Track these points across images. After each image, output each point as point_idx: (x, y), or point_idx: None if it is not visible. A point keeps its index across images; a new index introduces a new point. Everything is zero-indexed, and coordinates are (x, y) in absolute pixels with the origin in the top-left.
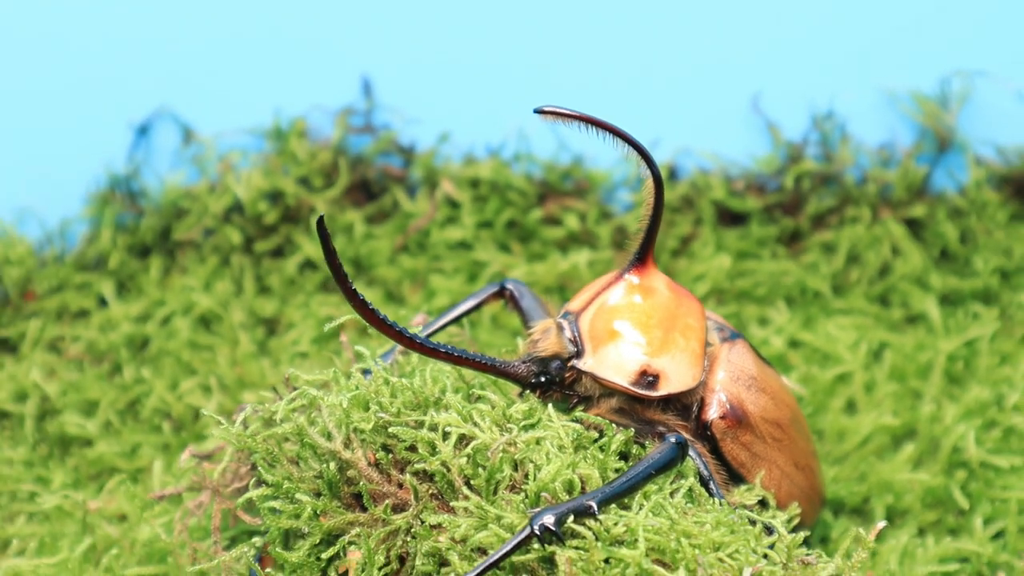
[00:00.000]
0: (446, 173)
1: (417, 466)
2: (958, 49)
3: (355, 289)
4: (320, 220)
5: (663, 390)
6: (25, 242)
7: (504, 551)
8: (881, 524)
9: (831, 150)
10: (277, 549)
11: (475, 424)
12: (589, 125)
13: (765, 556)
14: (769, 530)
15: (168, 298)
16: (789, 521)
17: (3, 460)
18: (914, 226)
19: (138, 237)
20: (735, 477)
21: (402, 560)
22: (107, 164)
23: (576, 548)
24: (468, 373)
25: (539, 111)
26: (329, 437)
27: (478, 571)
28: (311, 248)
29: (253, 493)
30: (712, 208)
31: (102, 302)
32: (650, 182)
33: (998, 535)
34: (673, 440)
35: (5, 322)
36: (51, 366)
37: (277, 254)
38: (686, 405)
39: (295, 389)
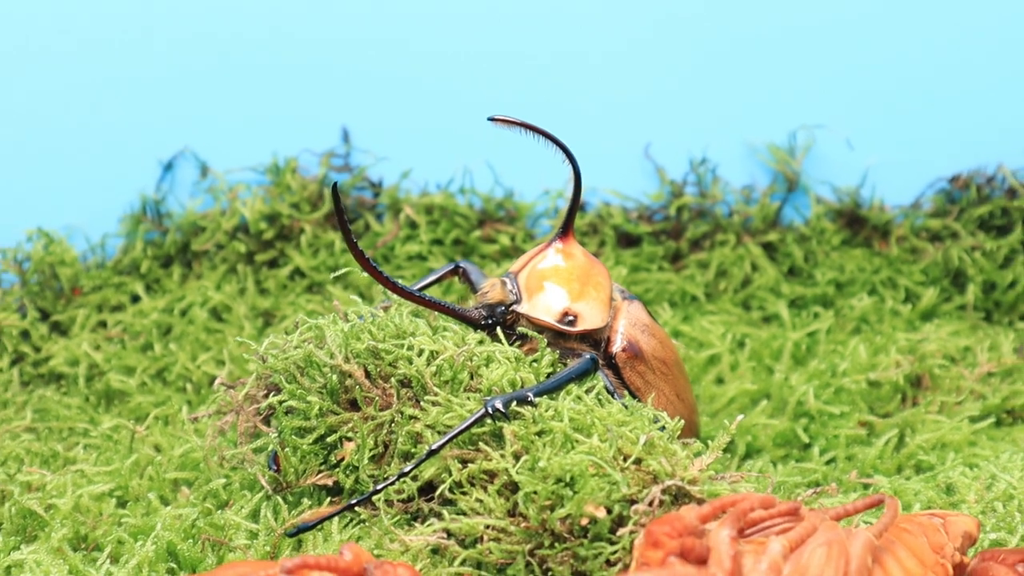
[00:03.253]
0: (407, 202)
1: (398, 374)
2: (803, 107)
3: (356, 242)
4: (334, 186)
5: (580, 327)
6: (73, 251)
7: (465, 425)
8: (740, 417)
9: (705, 189)
10: (292, 436)
11: (441, 342)
12: (528, 130)
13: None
14: (656, 420)
15: (187, 295)
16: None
17: (62, 406)
18: (769, 248)
19: (164, 249)
20: (633, 399)
21: (386, 446)
22: (140, 192)
23: (518, 425)
24: (434, 320)
25: (492, 119)
26: (332, 356)
27: (445, 440)
28: (300, 260)
29: (273, 399)
30: (613, 233)
31: (134, 299)
32: (571, 175)
33: (830, 461)
34: (588, 355)
35: (59, 310)
36: (96, 342)
37: (273, 264)
38: (597, 341)
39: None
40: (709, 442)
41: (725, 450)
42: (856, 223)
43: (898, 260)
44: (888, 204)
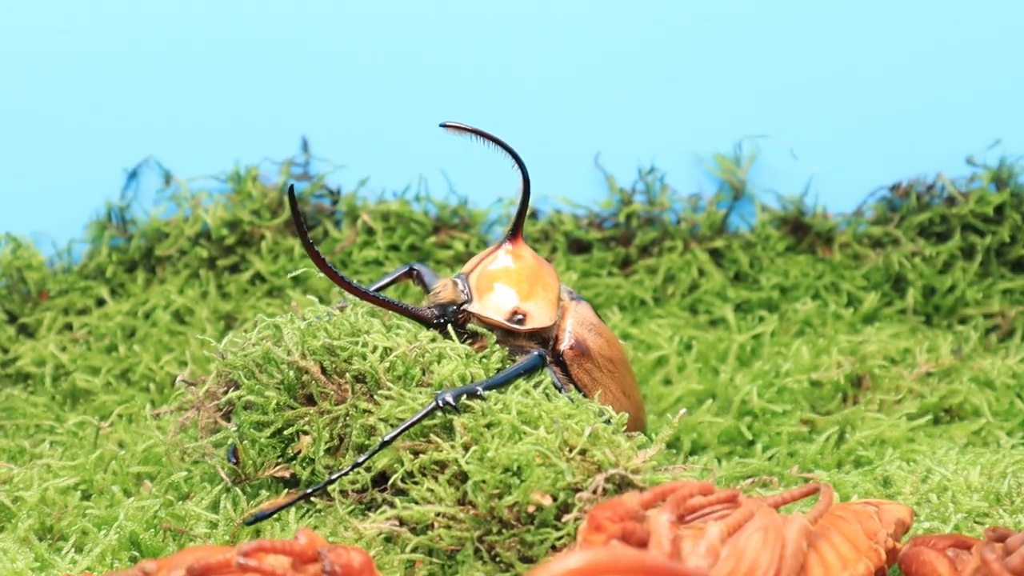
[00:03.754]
0: (364, 209)
1: (353, 370)
2: (748, 118)
3: (312, 244)
4: (291, 189)
5: (529, 325)
6: (40, 256)
7: (416, 418)
8: (683, 411)
9: (653, 197)
10: (251, 430)
11: (394, 339)
12: (479, 136)
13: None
14: (602, 413)
15: (151, 298)
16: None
17: (29, 404)
18: (715, 255)
19: (128, 255)
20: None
21: (341, 439)
22: (105, 199)
23: (468, 417)
24: (388, 319)
25: (444, 125)
26: (289, 353)
27: (397, 432)
28: (260, 265)
29: (233, 394)
30: (564, 239)
31: (100, 302)
32: (520, 179)
33: (773, 457)
34: (536, 352)
35: (27, 312)
36: (63, 343)
37: (234, 269)
38: (545, 339)
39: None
40: (654, 436)
41: (671, 446)
42: (800, 230)
43: (841, 266)
44: (831, 212)
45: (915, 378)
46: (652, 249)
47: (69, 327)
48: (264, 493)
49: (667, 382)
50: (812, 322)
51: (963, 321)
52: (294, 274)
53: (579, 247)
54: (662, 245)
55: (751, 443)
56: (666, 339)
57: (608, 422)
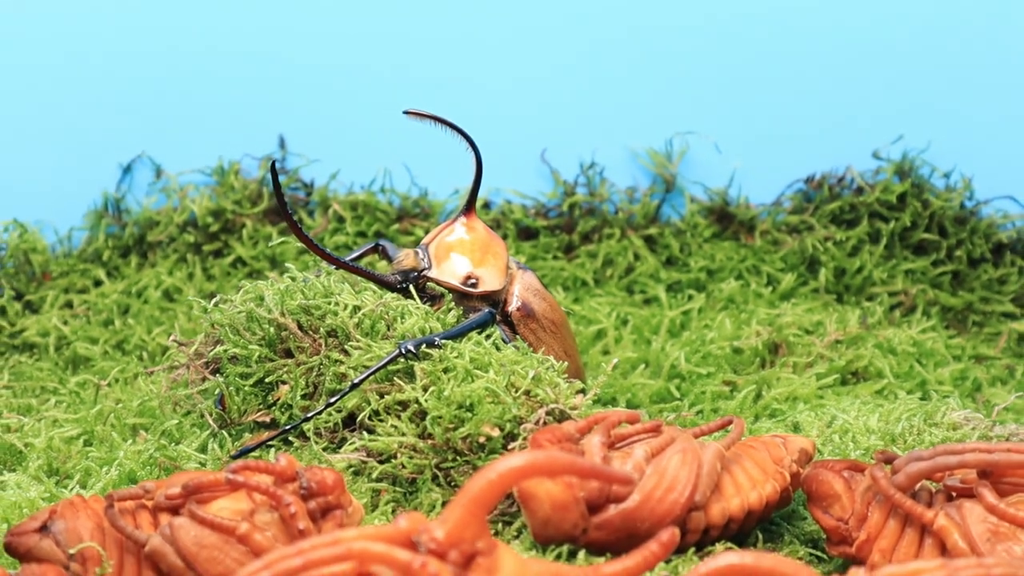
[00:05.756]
0: (335, 200)
1: (326, 325)
2: (677, 117)
3: (291, 212)
4: (272, 164)
5: (481, 288)
6: (44, 241)
7: (382, 363)
8: (615, 361)
9: (594, 189)
10: (235, 378)
11: (362, 299)
12: (437, 122)
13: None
14: (544, 361)
15: (143, 279)
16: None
17: (35, 368)
18: (650, 241)
19: (123, 241)
20: None
21: (315, 387)
22: (103, 191)
23: (427, 363)
24: (357, 286)
25: (407, 112)
26: (270, 311)
27: (366, 375)
28: (242, 250)
29: (219, 349)
30: (514, 227)
31: (97, 283)
32: (473, 160)
33: (698, 413)
34: (487, 309)
35: (32, 291)
36: (65, 317)
37: (218, 254)
38: (495, 302)
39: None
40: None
41: (607, 404)
42: (725, 219)
43: (761, 250)
44: (753, 202)
45: (825, 345)
46: (592, 236)
47: (70, 304)
48: (247, 436)
49: (605, 352)
50: (735, 299)
51: (870, 299)
52: (275, 243)
53: (527, 234)
54: (601, 232)
55: (680, 400)
56: (605, 315)
57: (550, 368)
